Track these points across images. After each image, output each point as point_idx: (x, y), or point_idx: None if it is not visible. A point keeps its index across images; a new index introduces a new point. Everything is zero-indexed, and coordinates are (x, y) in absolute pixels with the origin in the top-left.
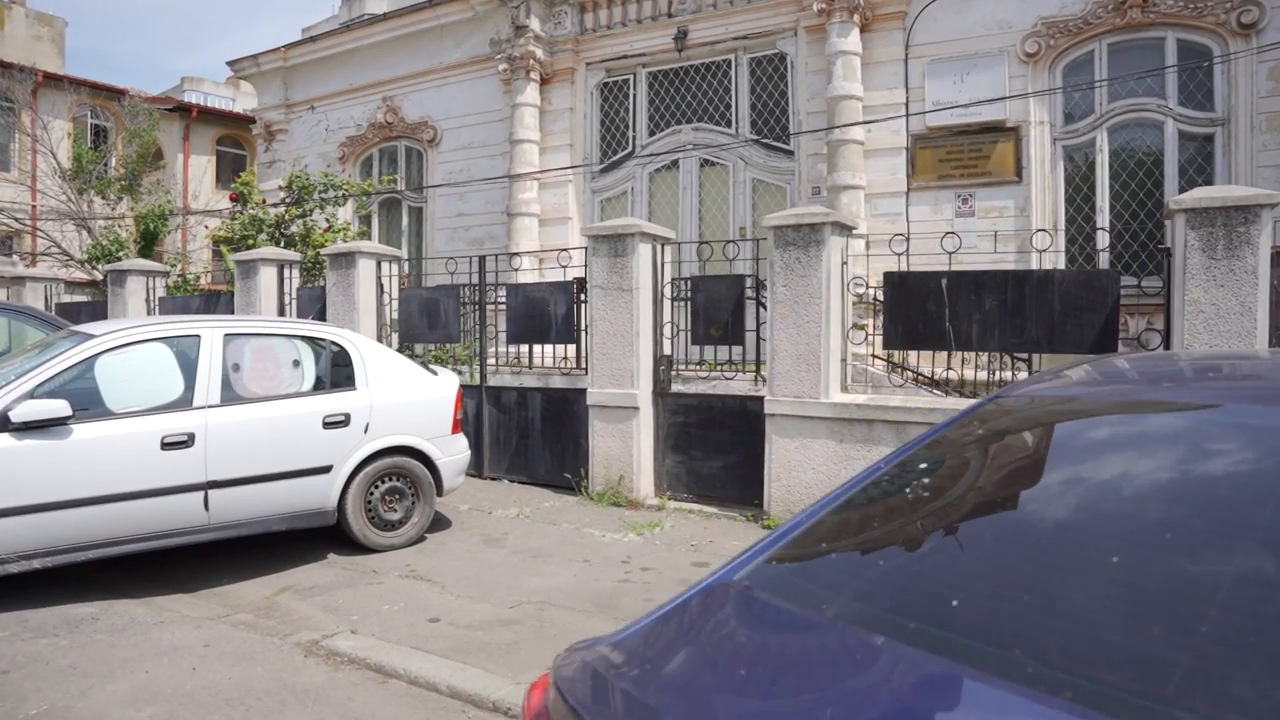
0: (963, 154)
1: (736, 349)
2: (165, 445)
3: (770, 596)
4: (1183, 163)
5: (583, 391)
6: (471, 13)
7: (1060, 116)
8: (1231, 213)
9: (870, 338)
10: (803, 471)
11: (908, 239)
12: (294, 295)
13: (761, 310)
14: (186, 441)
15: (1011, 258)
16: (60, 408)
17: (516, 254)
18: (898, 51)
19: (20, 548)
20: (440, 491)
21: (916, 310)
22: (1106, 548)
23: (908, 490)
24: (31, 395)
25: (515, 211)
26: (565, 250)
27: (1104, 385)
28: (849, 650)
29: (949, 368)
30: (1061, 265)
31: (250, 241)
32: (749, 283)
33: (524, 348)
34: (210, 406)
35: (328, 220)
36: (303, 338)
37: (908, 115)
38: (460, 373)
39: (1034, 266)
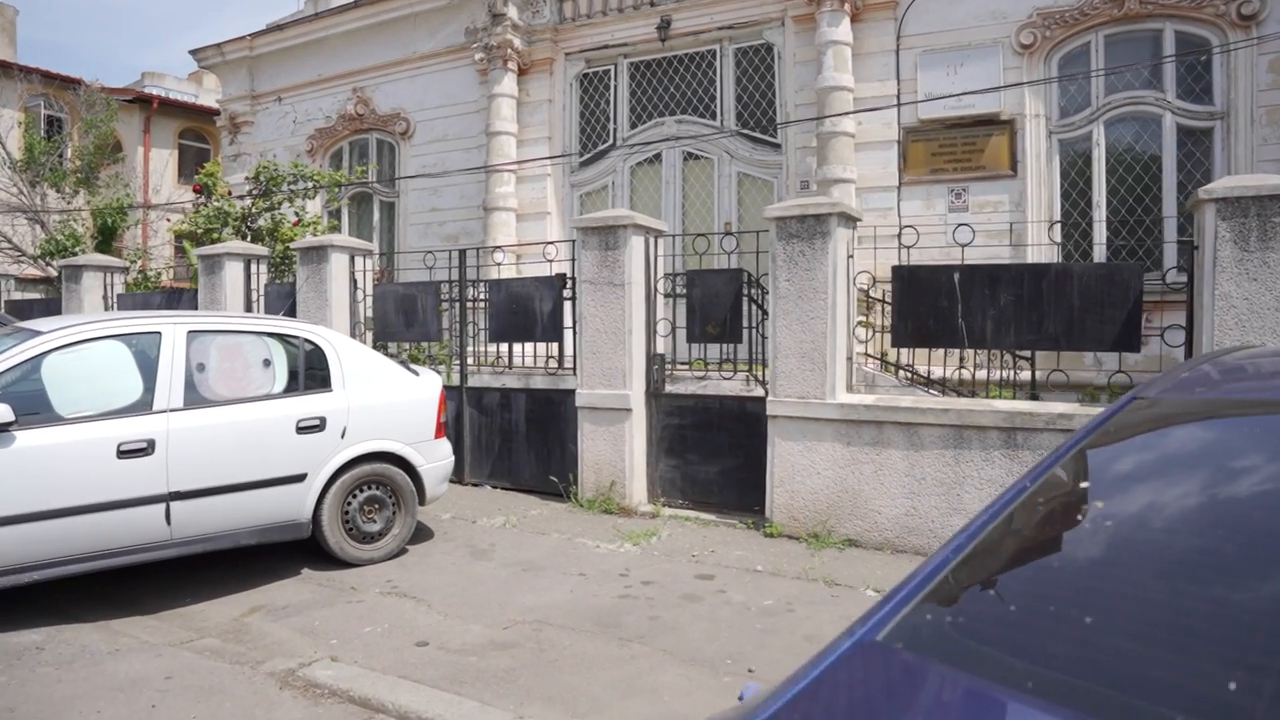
0: (956, 147)
1: (734, 348)
2: (122, 453)
3: (942, 666)
4: (1180, 157)
5: (570, 392)
6: (446, 0)
7: (1056, 109)
8: (1266, 202)
9: (871, 335)
10: (807, 476)
11: (900, 232)
12: (262, 292)
13: (755, 308)
14: (145, 449)
15: (1006, 253)
16: (2, 413)
17: (498, 248)
18: (889, 42)
19: None
20: (423, 500)
21: (928, 306)
22: None
23: (1079, 516)
24: None
25: (492, 206)
26: (550, 244)
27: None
28: None
29: (960, 366)
30: (1058, 260)
31: (215, 235)
32: (745, 278)
33: (504, 347)
34: (172, 410)
35: (297, 214)
36: (274, 335)
37: (899, 107)
38: (438, 372)
39: (1028, 261)
